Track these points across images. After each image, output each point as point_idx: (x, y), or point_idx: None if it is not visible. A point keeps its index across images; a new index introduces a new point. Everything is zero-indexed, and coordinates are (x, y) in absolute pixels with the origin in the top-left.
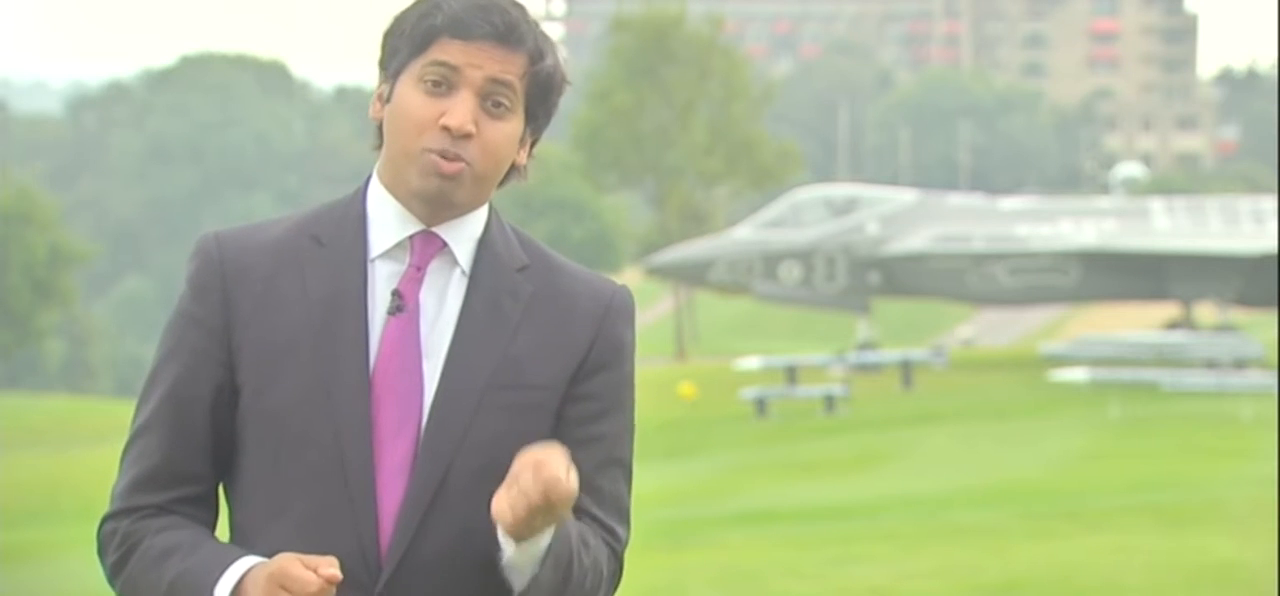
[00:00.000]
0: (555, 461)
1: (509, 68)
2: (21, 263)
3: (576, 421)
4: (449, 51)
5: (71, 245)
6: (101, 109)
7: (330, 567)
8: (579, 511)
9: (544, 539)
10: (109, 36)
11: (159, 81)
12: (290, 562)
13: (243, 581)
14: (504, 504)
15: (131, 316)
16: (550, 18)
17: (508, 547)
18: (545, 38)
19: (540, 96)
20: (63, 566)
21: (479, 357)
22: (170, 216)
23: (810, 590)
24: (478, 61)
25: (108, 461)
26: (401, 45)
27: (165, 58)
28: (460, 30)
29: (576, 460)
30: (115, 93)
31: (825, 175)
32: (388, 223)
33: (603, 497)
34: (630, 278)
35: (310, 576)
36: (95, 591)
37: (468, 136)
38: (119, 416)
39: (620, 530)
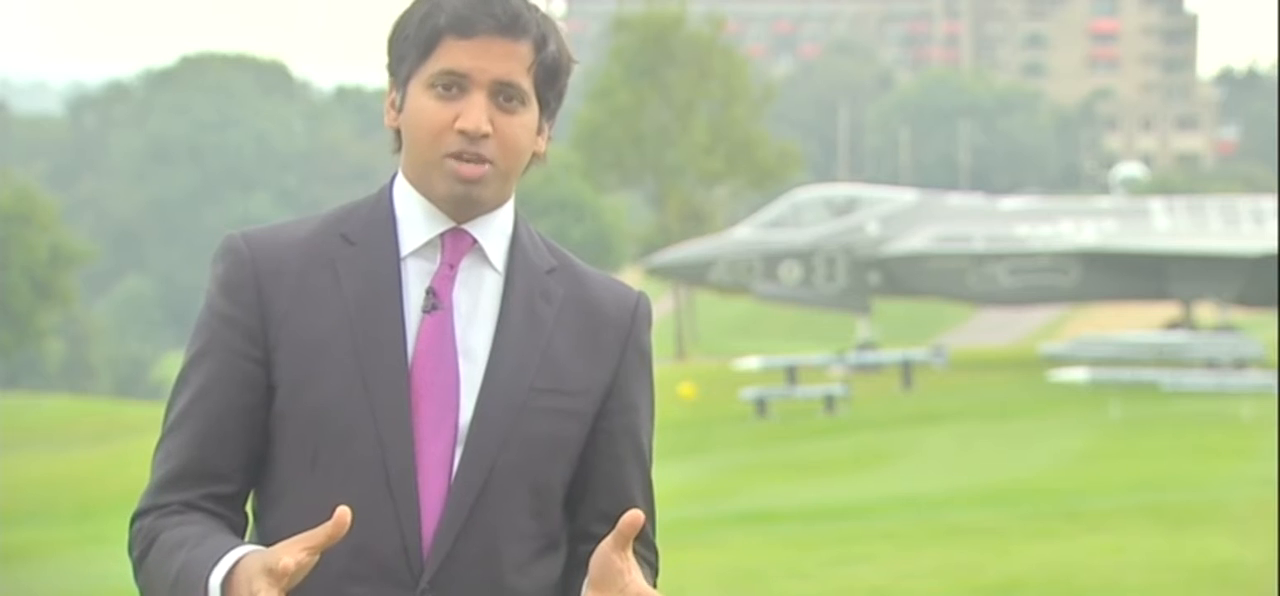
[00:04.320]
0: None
1: (515, 63)
2: (21, 263)
3: (621, 433)
4: (454, 55)
5: (71, 245)
6: (101, 109)
7: (342, 515)
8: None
9: None
10: (109, 36)
11: (159, 81)
12: (280, 551)
13: (235, 569)
14: None
15: (131, 316)
16: None
17: None
18: (547, 21)
19: (549, 82)
20: (63, 566)
21: (521, 358)
22: (170, 216)
23: (810, 590)
24: (484, 62)
25: (108, 461)
26: (408, 50)
27: (165, 58)
28: (464, 28)
29: (626, 475)
30: (115, 93)
31: (825, 175)
32: (417, 221)
33: (649, 513)
34: (630, 278)
35: (291, 559)
36: (95, 591)
37: (485, 136)
38: (119, 416)
39: (653, 532)
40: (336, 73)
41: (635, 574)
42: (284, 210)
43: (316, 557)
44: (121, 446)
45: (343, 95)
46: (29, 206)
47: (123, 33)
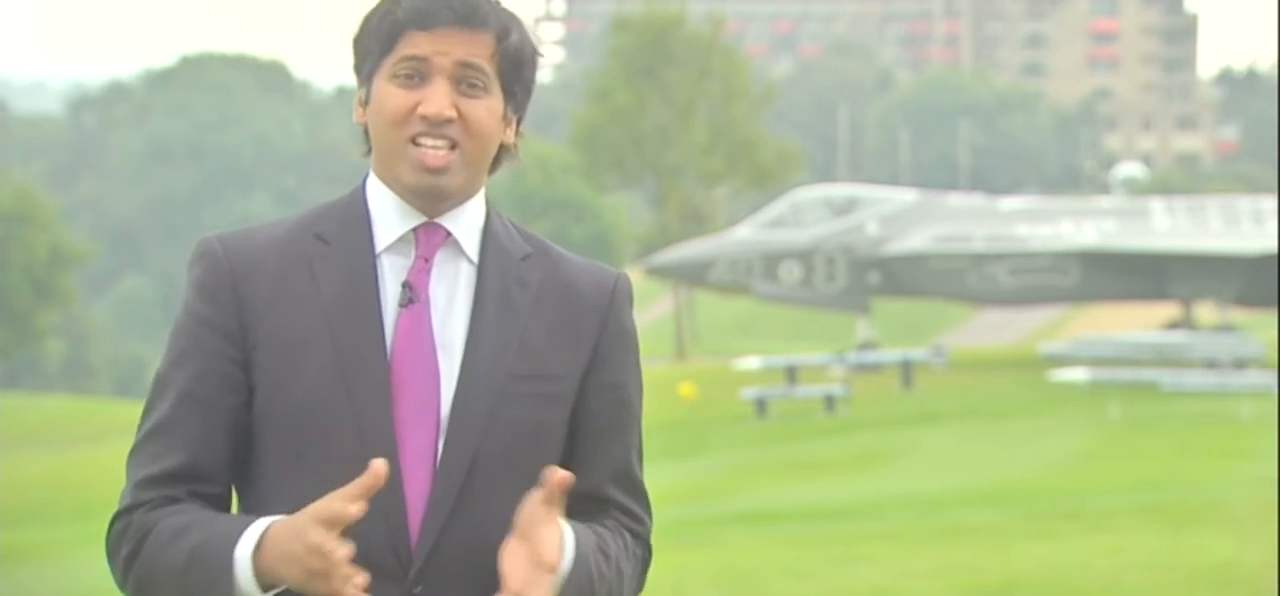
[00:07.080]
0: (553, 548)
1: (476, 49)
2: (21, 263)
3: (600, 413)
4: (415, 44)
5: (71, 245)
6: (101, 109)
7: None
8: (610, 503)
9: (563, 565)
10: (109, 36)
11: (159, 81)
12: (330, 504)
13: (266, 536)
14: (519, 580)
15: (131, 316)
16: (550, 18)
17: None
18: (509, 14)
19: (513, 72)
20: (63, 566)
21: (497, 347)
22: (170, 216)
23: (810, 590)
24: (444, 48)
25: (108, 461)
26: (371, 46)
27: (165, 58)
28: (422, 20)
29: (607, 453)
30: (115, 93)
31: (825, 175)
32: (390, 217)
33: (633, 487)
34: (631, 277)
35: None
36: (94, 591)
37: (448, 121)
38: (119, 416)
39: (646, 515)
40: (336, 73)
41: (551, 530)
42: (284, 210)
43: (362, 507)
44: (121, 446)
45: (343, 95)
46: (29, 206)
47: (123, 33)
